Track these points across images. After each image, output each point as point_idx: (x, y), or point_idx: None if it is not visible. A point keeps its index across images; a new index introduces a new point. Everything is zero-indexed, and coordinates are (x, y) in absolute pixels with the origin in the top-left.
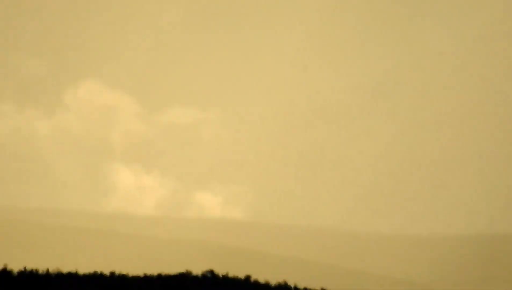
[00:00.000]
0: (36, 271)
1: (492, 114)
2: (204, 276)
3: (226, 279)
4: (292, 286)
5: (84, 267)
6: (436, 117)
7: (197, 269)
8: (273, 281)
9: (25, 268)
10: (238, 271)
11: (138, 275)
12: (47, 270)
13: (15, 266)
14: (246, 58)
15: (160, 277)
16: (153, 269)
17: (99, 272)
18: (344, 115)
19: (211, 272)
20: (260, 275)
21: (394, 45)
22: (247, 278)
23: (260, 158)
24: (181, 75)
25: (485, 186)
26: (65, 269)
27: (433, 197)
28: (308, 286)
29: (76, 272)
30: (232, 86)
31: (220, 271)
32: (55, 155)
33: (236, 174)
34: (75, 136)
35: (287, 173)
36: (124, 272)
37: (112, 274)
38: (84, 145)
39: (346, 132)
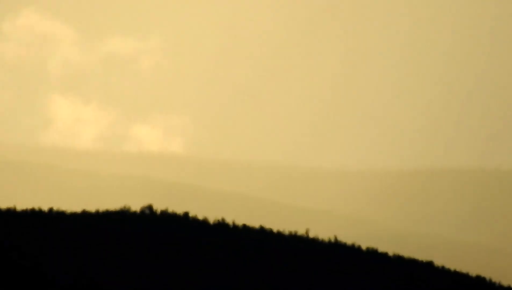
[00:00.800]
0: None
1: (427, 49)
2: (142, 212)
3: (164, 215)
4: (231, 223)
5: (21, 203)
6: (376, 53)
7: (136, 205)
8: (212, 218)
9: None
10: (177, 207)
11: (76, 211)
12: None
13: None
14: None
15: (98, 213)
16: (92, 204)
17: (37, 209)
18: (287, 47)
19: (150, 208)
20: (199, 211)
21: None
22: (186, 214)
23: (201, 89)
24: (120, 4)
25: (425, 122)
26: (2, 205)
27: (373, 132)
28: (248, 223)
29: (15, 208)
30: (171, 15)
31: (159, 206)
32: None
33: (176, 105)
34: (13, 66)
35: (229, 105)
36: (62, 207)
37: (51, 210)
38: (22, 75)
39: (289, 65)
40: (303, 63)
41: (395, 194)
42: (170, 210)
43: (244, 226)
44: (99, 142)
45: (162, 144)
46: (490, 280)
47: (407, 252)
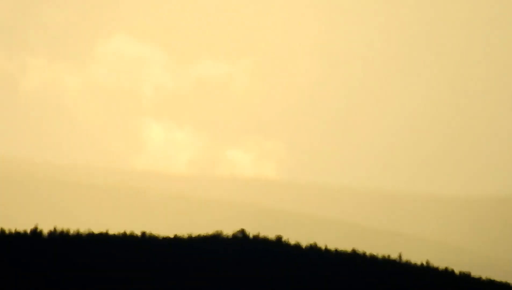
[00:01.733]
0: (67, 232)
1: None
2: (234, 236)
3: (257, 240)
4: (323, 247)
5: (114, 226)
6: (467, 82)
7: (229, 229)
8: (303, 242)
9: (55, 229)
10: (270, 231)
11: (169, 236)
12: (78, 231)
13: (44, 225)
14: (276, 8)
15: (190, 238)
16: (185, 228)
17: (129, 233)
18: (379, 72)
19: (242, 232)
20: (293, 236)
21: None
22: (278, 239)
23: (294, 113)
24: (211, 28)
25: None
26: (95, 229)
27: (466, 158)
28: (339, 247)
29: (107, 232)
30: (263, 38)
31: (251, 231)
32: (85, 110)
33: (269, 129)
34: (106, 90)
35: (321, 129)
36: (155, 231)
37: (143, 234)
38: (115, 99)
39: (385, 86)
40: (400, 85)
41: (487, 219)
42: (262, 234)
43: (336, 250)
44: (192, 166)
45: (255, 168)
46: None
47: (501, 278)
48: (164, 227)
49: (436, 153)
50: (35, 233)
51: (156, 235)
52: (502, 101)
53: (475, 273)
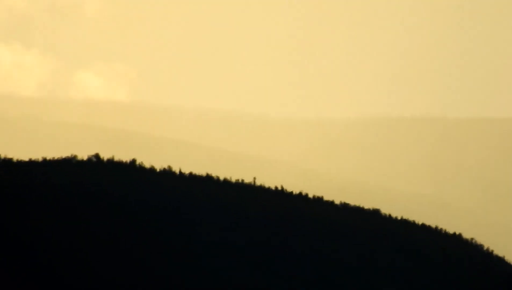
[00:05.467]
0: None
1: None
2: (89, 160)
3: (111, 163)
4: (177, 171)
5: None
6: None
7: (82, 153)
8: (157, 165)
9: None
10: (123, 154)
11: (23, 159)
12: None
13: None
14: None
15: (45, 161)
16: (36, 153)
17: None
18: None
19: (96, 156)
20: (145, 159)
21: None
22: (133, 162)
23: (145, 35)
24: None
25: (372, 69)
26: None
27: (321, 80)
28: (194, 171)
29: None
30: None
31: (105, 154)
32: None
33: (120, 52)
34: None
35: (173, 51)
36: (7, 155)
37: None
38: None
39: (241, 8)
40: (258, 10)
41: (342, 143)
42: (116, 158)
43: (191, 173)
44: (42, 89)
45: (107, 91)
46: (436, 227)
47: (354, 202)
48: (16, 150)
49: (287, 75)
50: None
51: (10, 158)
52: (356, 26)
53: (328, 197)
